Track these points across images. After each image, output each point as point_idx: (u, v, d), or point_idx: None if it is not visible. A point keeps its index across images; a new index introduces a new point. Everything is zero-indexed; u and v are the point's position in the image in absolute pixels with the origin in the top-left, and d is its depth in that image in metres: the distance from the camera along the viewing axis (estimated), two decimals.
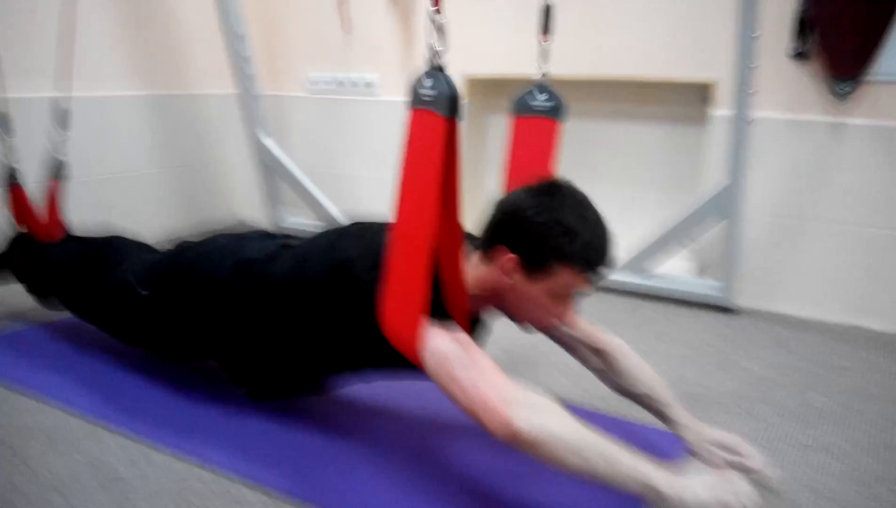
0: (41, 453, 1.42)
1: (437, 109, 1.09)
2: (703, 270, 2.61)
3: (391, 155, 2.96)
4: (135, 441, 1.48)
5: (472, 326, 1.36)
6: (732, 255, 2.38)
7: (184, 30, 3.15)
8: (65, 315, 2.03)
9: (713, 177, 2.43)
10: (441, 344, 1.17)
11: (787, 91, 2.36)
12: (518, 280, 1.24)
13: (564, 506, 1.29)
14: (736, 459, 1.32)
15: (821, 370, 1.99)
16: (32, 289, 1.99)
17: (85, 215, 2.36)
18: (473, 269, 1.29)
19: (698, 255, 2.62)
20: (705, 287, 2.49)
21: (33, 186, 2.12)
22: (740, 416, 1.70)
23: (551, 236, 1.20)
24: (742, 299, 2.49)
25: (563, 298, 1.25)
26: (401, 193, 1.16)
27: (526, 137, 1.51)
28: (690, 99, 2.63)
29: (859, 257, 2.34)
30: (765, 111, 2.37)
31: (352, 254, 1.32)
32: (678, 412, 1.42)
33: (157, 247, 1.94)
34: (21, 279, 2.02)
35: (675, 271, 2.63)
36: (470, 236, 1.33)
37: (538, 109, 1.50)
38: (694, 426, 1.39)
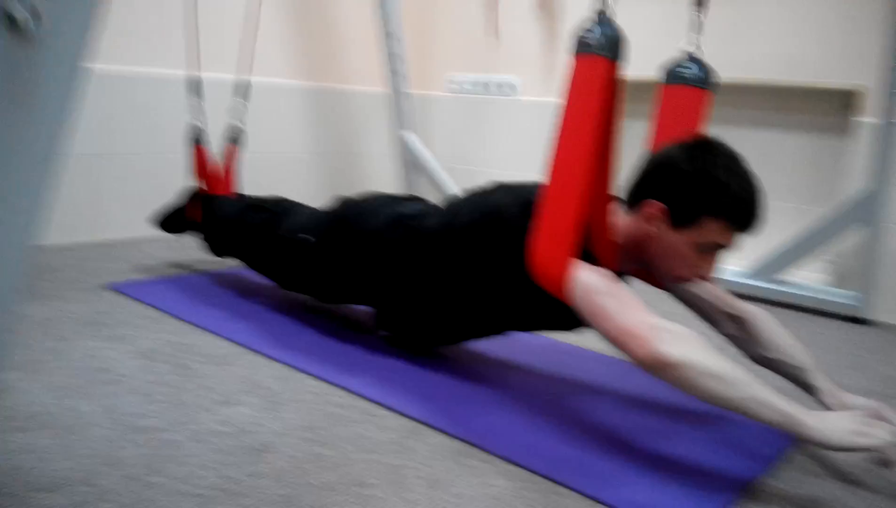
0: (203, 365, 1.59)
1: (604, 53, 1.19)
2: (840, 280, 2.55)
3: (528, 154, 3.10)
4: (283, 365, 1.62)
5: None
6: (872, 264, 2.32)
7: (342, 29, 3.40)
8: (228, 265, 2.24)
9: (854, 186, 2.38)
10: (589, 276, 1.23)
11: None
12: (663, 230, 1.28)
13: (683, 465, 1.32)
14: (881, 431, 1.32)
15: None
16: (205, 238, 2.21)
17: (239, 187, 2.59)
18: (620, 221, 1.35)
19: (836, 265, 2.56)
20: (841, 297, 2.43)
21: (215, 150, 2.37)
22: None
23: (701, 187, 1.23)
24: (880, 313, 2.41)
25: (707, 251, 1.28)
26: (560, 137, 1.25)
27: (675, 105, 1.56)
28: (833, 108, 2.59)
29: None
30: None
31: (503, 201, 1.42)
32: (819, 377, 1.41)
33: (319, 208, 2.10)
34: (193, 230, 2.27)
35: (811, 280, 2.58)
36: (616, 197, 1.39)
37: (690, 78, 1.55)
38: (836, 393, 1.38)
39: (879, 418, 1.29)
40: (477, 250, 1.43)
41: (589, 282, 1.23)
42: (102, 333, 1.72)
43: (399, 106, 3.18)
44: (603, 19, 1.19)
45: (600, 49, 1.19)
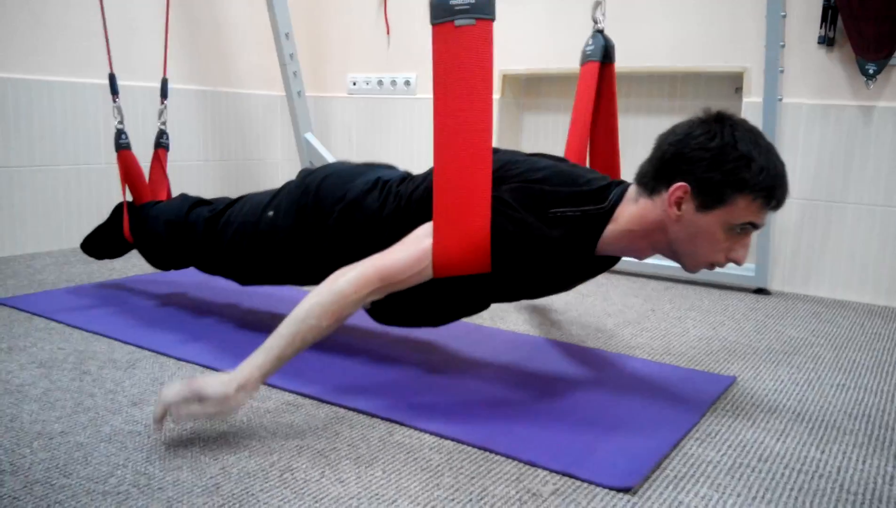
0: (108, 370, 1.50)
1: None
2: None
3: (428, 150, 3.10)
4: (194, 365, 1.56)
5: (599, 262, 1.38)
6: (763, 237, 2.43)
7: (234, 31, 3.33)
8: (129, 274, 2.13)
9: None
10: (420, 232, 1.27)
11: (816, 77, 2.44)
12: (689, 213, 1.20)
13: (613, 424, 1.34)
14: None
15: (855, 334, 2.02)
16: (143, 249, 1.99)
17: None
18: (632, 204, 1.27)
19: None
20: (738, 270, 2.54)
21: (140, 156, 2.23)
22: (780, 364, 1.73)
23: (728, 162, 1.15)
24: (776, 283, 2.53)
25: (739, 233, 1.21)
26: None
27: (611, 82, 1.63)
28: (723, 90, 2.71)
29: (891, 239, 2.38)
30: (795, 97, 2.45)
31: None
32: None
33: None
34: (131, 247, 2.07)
35: None
36: (620, 182, 1.34)
37: (612, 56, 1.64)
38: None
39: None
40: None
41: (417, 232, 1.27)
42: None
43: (296, 108, 3.12)
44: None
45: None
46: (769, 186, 1.17)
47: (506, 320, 2.01)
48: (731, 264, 1.32)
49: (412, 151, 3.32)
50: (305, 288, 1.77)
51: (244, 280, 1.76)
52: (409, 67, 3.31)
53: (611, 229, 1.27)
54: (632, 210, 1.27)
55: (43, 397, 1.35)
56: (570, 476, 1.11)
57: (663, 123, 2.87)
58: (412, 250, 1.24)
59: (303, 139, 3.15)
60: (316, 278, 1.53)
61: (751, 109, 2.50)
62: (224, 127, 3.33)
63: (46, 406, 1.31)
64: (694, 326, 2.04)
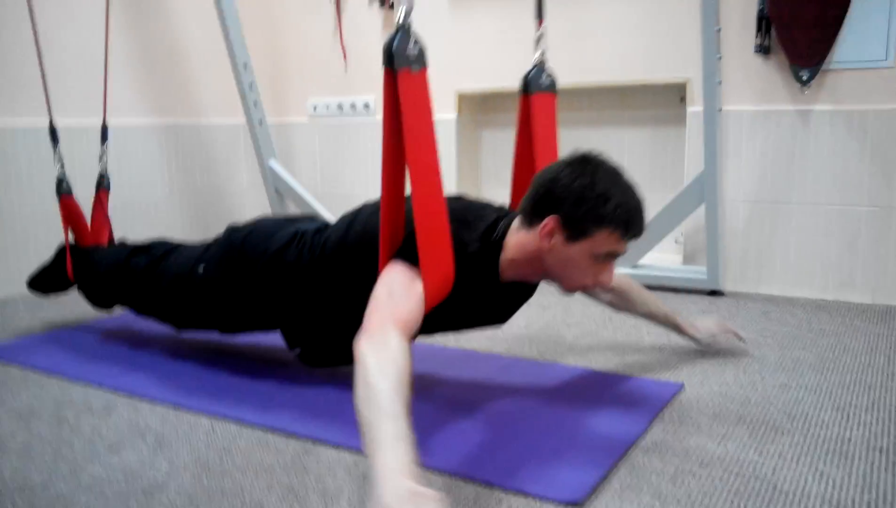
0: (84, 417, 1.56)
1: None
2: (690, 258, 2.77)
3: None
4: (168, 406, 1.62)
5: (514, 289, 1.52)
6: (714, 240, 2.53)
7: (191, 62, 3.38)
8: (99, 316, 2.18)
9: (692, 169, 2.60)
10: (393, 273, 1.30)
11: (754, 84, 2.55)
12: (559, 244, 1.35)
13: (564, 438, 1.42)
14: (729, 332, 1.93)
15: (802, 332, 2.12)
16: (87, 292, 2.12)
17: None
18: (515, 234, 1.41)
19: (686, 245, 2.77)
20: (691, 273, 2.64)
21: (82, 199, 2.30)
22: (727, 366, 1.83)
23: (586, 200, 1.31)
24: (728, 284, 2.64)
25: (602, 259, 1.36)
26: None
27: (540, 111, 1.72)
28: (669, 100, 2.82)
29: (835, 235, 2.50)
30: (735, 105, 2.56)
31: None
32: (679, 318, 1.92)
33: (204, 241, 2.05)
34: (72, 286, 2.18)
35: (663, 261, 2.79)
36: (507, 214, 1.49)
37: (545, 85, 1.72)
38: (693, 323, 1.94)
39: (724, 328, 1.94)
40: (366, 262, 1.45)
41: (388, 276, 1.29)
42: None
43: (258, 135, 3.19)
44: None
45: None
46: (625, 220, 1.33)
47: (460, 338, 2.09)
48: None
49: (375, 172, 3.39)
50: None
51: (179, 325, 1.93)
52: (367, 89, 3.38)
53: (503, 258, 1.43)
54: (515, 240, 1.41)
55: (23, 449, 1.41)
56: (524, 494, 1.19)
57: (614, 133, 2.98)
58: (414, 297, 1.28)
59: (267, 167, 3.22)
60: (243, 324, 1.79)
61: (695, 117, 2.61)
62: (187, 158, 3.38)
63: (26, 458, 1.37)
64: (648, 333, 2.13)
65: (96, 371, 1.85)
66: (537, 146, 1.70)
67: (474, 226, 1.43)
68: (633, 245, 2.64)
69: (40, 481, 1.28)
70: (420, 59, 1.29)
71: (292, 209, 3.31)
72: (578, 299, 2.54)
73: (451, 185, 3.19)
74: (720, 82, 2.45)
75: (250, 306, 1.71)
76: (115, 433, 1.49)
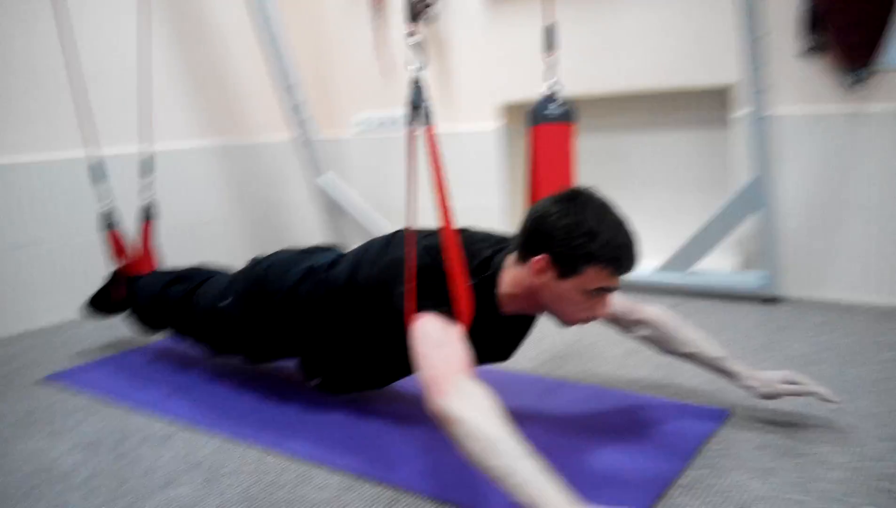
0: (143, 448, 1.64)
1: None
2: (747, 264, 2.70)
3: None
4: (220, 438, 1.68)
5: (515, 321, 1.53)
6: (770, 245, 2.47)
7: (237, 82, 3.46)
8: (158, 338, 2.27)
9: (744, 173, 2.53)
10: (426, 325, 1.31)
11: (803, 86, 2.47)
12: (551, 280, 1.36)
13: (601, 474, 1.42)
14: (800, 388, 1.54)
15: (859, 346, 2.06)
16: (133, 318, 2.26)
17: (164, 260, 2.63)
18: (510, 270, 1.43)
19: (742, 250, 2.71)
20: (748, 279, 2.58)
21: (131, 227, 2.42)
22: None
23: (574, 237, 1.31)
24: (786, 289, 2.57)
25: (595, 294, 1.36)
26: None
27: (545, 142, 1.69)
28: (713, 103, 2.75)
29: (894, 239, 2.40)
30: (785, 107, 2.48)
31: (398, 255, 1.49)
32: (735, 364, 1.62)
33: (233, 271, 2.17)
34: (121, 310, 2.32)
35: (719, 266, 2.73)
36: (502, 248, 1.50)
37: (552, 116, 1.69)
38: (755, 373, 1.60)
39: (797, 383, 1.55)
40: (377, 302, 1.50)
41: (423, 330, 1.30)
42: (44, 430, 1.77)
43: (310, 152, 3.24)
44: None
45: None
46: (614, 257, 1.32)
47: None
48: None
49: (424, 184, 3.41)
50: None
51: (214, 351, 2.02)
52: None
53: (500, 292, 1.45)
54: (510, 276, 1.43)
55: (84, 484, 1.49)
56: None
57: (655, 138, 2.93)
58: (458, 340, 1.30)
59: (316, 184, 3.28)
60: (268, 353, 1.89)
61: (741, 122, 2.54)
62: (241, 177, 3.47)
63: (89, 494, 1.45)
64: None
65: (157, 397, 1.94)
66: (538, 176, 1.70)
67: (469, 262, 1.43)
68: (684, 253, 2.65)
69: None
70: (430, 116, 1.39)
71: (346, 224, 3.35)
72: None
73: (497, 196, 3.22)
74: (768, 87, 2.38)
75: (272, 337, 1.79)
76: (170, 465, 1.55)
